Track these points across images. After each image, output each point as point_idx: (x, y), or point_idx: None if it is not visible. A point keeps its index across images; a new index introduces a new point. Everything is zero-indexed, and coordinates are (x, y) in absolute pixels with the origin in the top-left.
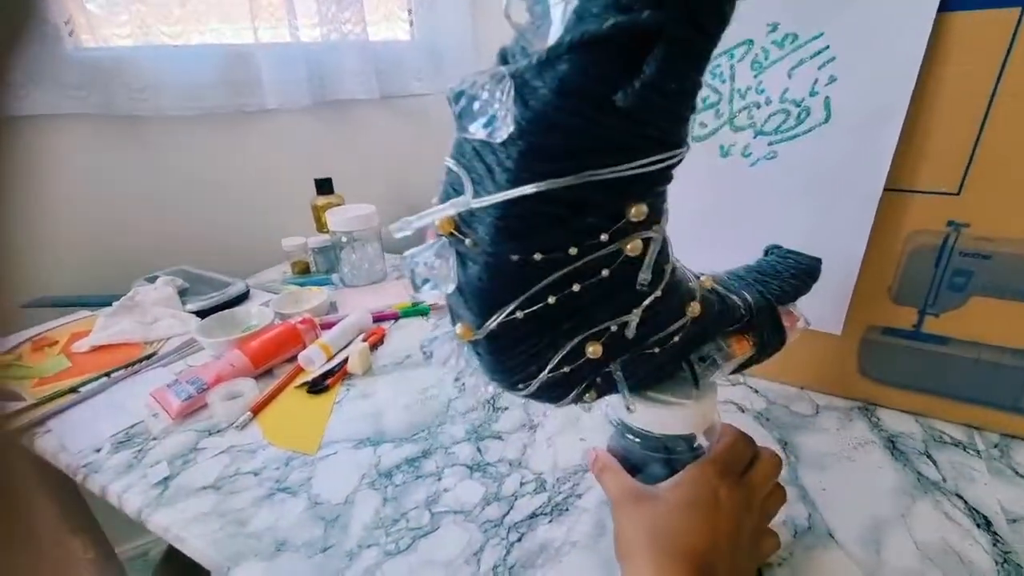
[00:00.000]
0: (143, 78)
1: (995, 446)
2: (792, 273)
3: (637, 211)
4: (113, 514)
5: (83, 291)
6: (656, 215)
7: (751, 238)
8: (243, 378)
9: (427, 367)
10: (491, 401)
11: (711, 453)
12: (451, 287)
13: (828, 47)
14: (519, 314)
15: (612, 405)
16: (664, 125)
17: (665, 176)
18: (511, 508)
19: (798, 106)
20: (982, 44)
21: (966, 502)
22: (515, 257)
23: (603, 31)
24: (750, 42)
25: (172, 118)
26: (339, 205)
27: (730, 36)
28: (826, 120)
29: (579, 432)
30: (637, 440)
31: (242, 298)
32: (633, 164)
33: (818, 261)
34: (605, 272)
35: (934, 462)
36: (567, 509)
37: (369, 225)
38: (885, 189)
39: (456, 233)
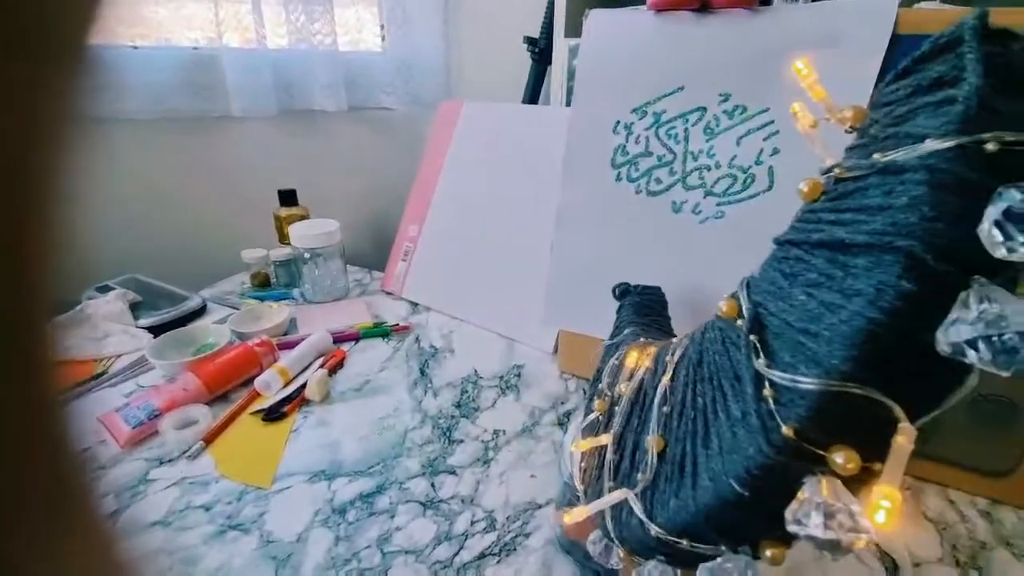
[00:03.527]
0: (101, 78)
1: (907, 488)
2: None
3: None
4: None
5: None
6: None
7: (698, 291)
8: (196, 405)
9: (385, 394)
10: (446, 432)
11: None
12: None
13: (773, 121)
14: None
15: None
16: None
17: None
18: (461, 547)
19: (744, 172)
20: None
21: (878, 546)
22: None
23: None
24: (703, 109)
25: (131, 121)
26: (303, 217)
27: (685, 101)
28: (769, 188)
29: (530, 468)
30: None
31: (198, 313)
32: None
33: None
34: None
35: None
36: (515, 549)
37: (332, 242)
38: None
39: None
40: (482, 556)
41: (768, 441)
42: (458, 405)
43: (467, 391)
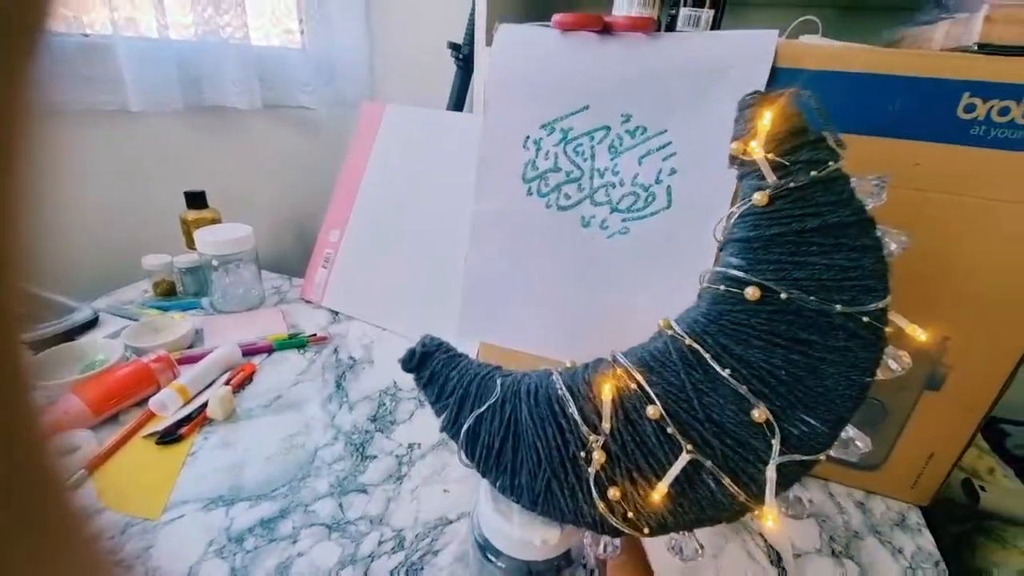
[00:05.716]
0: (57, 66)
1: None
2: None
3: None
4: None
5: None
6: None
7: (606, 303)
8: (79, 430)
9: (297, 410)
10: (359, 448)
11: None
12: None
13: (671, 143)
14: None
15: (479, 522)
16: None
17: None
18: (366, 571)
19: (646, 191)
20: None
21: (766, 541)
22: None
23: None
24: (608, 128)
25: None
26: (214, 220)
27: (591, 119)
28: (668, 206)
29: (444, 483)
30: (501, 565)
31: (89, 326)
32: None
33: None
34: None
35: None
36: (422, 568)
37: (243, 248)
38: None
39: None
40: None
41: (881, 340)
42: (374, 419)
43: (384, 404)
